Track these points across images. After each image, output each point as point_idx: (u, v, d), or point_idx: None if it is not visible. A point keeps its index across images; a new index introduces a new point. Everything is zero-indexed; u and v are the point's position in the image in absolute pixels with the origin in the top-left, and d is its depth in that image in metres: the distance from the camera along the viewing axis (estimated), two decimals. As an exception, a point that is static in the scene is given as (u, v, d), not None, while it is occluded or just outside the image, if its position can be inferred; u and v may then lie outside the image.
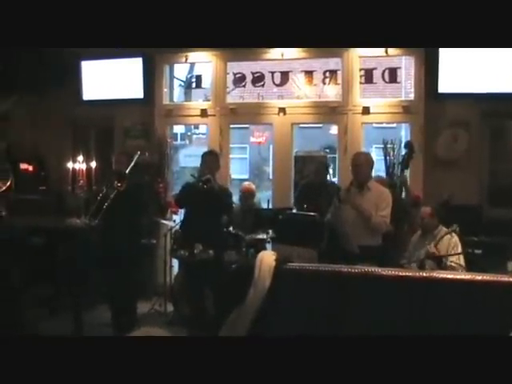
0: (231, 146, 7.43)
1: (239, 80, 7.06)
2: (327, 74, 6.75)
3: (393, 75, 6.60)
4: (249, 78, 6.98)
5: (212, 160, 4.97)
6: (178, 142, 15.44)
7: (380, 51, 6.19)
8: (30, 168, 6.99)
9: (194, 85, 7.59)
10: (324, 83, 6.88)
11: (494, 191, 6.14)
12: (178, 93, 9.00)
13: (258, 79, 6.93)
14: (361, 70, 6.46)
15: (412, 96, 6.50)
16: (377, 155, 7.58)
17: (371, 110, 6.35)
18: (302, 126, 8.90)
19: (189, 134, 17.85)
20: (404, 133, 8.29)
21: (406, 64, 7.90)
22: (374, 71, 6.58)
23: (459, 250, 4.26)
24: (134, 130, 7.02)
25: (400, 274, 2.66)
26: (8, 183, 5.27)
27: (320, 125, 12.31)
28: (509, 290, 2.49)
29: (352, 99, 6.40)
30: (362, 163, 4.52)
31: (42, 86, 6.77)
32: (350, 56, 6.33)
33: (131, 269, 4.85)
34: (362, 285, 2.64)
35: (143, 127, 6.98)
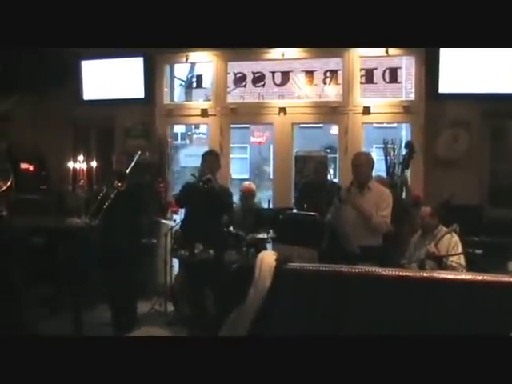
0: (232, 145, 7.45)
1: (240, 80, 7.06)
2: (328, 74, 6.75)
3: (393, 75, 6.60)
4: (249, 77, 6.99)
5: (212, 160, 4.97)
6: (179, 141, 15.47)
7: (381, 51, 6.19)
8: (31, 168, 6.99)
9: (194, 84, 7.62)
10: (324, 83, 6.89)
11: (495, 191, 6.15)
12: (178, 93, 8.99)
13: (258, 79, 6.94)
14: (361, 70, 6.46)
15: (412, 96, 6.50)
16: (377, 155, 7.59)
17: (372, 110, 6.35)
18: (302, 125, 8.92)
19: (189, 133, 17.87)
20: (404, 133, 8.30)
21: (407, 64, 7.87)
22: (375, 71, 6.59)
23: (459, 249, 4.26)
24: (135, 129, 7.02)
25: (400, 274, 2.65)
26: (8, 183, 5.25)
27: (320, 125, 12.33)
28: (509, 290, 2.48)
29: (352, 99, 6.40)
30: (362, 163, 4.51)
31: (42, 85, 6.77)
32: (351, 56, 6.33)
33: (131, 268, 4.86)
34: (363, 285, 2.63)
35: (144, 127, 6.98)
